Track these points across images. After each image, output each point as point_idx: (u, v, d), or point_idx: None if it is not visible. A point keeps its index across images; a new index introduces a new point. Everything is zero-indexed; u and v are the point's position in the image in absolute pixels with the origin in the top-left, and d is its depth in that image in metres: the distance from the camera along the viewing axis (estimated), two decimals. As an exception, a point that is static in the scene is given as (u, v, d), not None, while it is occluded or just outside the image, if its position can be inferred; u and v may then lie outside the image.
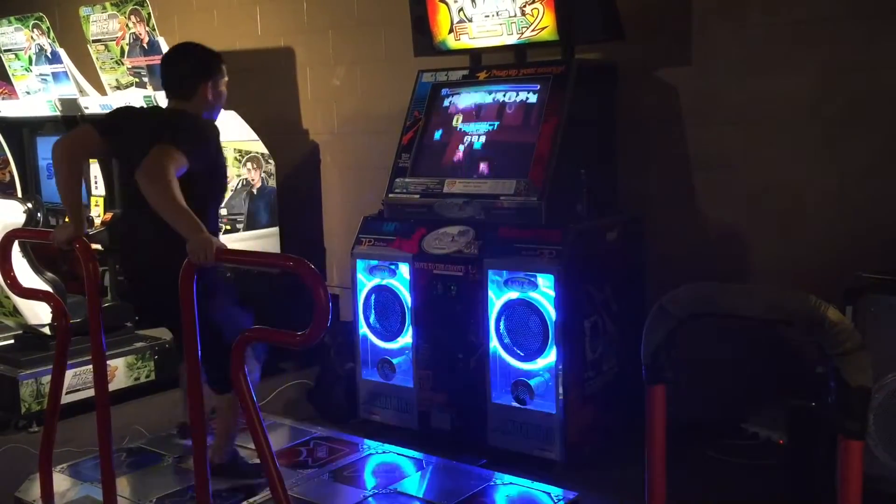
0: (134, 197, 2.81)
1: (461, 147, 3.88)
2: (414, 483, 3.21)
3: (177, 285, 2.50)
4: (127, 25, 4.70)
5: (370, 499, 3.06)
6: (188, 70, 3.01)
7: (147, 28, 4.61)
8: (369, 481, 3.25)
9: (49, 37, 5.13)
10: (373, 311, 3.86)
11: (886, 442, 2.88)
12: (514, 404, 3.47)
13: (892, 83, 3.37)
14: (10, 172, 5.65)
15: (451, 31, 3.98)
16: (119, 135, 2.98)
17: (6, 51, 5.45)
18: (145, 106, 4.42)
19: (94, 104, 4.88)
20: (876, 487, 2.61)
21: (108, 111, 3.35)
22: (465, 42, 3.96)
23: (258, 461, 3.14)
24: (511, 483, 3.12)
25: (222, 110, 3.23)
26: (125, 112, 3.18)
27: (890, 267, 3.05)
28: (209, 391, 3.01)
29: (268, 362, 4.63)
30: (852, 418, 1.71)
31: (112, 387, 3.89)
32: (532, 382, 3.43)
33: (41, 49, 5.21)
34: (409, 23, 4.12)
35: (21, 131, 5.65)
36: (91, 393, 3.27)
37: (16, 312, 4.39)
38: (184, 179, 2.70)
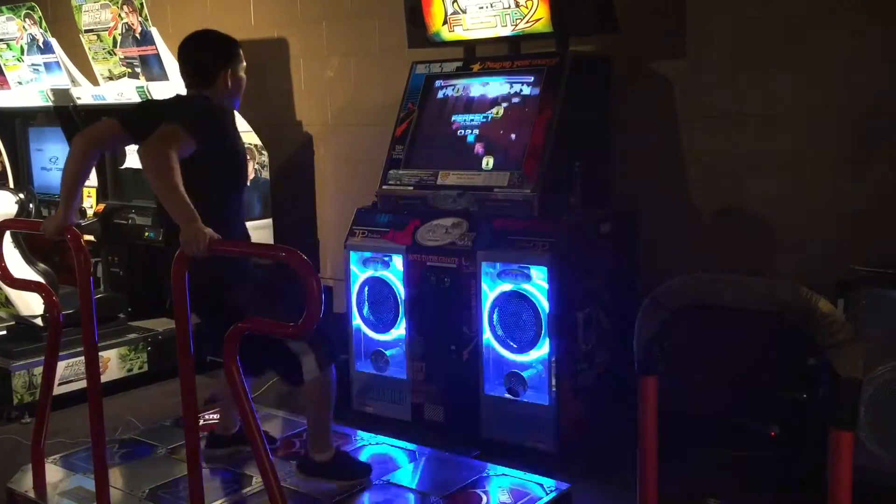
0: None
1: (455, 139, 3.88)
2: (407, 474, 3.21)
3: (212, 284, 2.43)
4: (119, 15, 4.67)
5: (363, 490, 3.06)
6: (207, 58, 2.94)
7: (139, 18, 4.59)
8: (362, 472, 3.24)
9: (41, 26, 5.10)
10: (366, 303, 3.85)
11: (876, 433, 2.90)
12: (507, 396, 3.48)
13: (888, 77, 3.37)
14: (2, 163, 5.63)
15: (444, 22, 3.97)
16: (138, 124, 2.88)
17: (-2, 40, 5.43)
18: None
19: (86, 94, 4.86)
20: (866, 478, 2.63)
21: (134, 104, 3.26)
22: (459, 34, 3.95)
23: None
24: (503, 474, 3.12)
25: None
26: (148, 103, 3.09)
27: (881, 260, 3.06)
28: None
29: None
30: (843, 410, 1.72)
31: (104, 378, 3.90)
32: (525, 374, 3.44)
33: (33, 39, 5.18)
34: (403, 14, 4.10)
35: (13, 122, 5.65)
36: (83, 384, 3.26)
37: (8, 303, 4.39)
38: (197, 165, 2.62)
